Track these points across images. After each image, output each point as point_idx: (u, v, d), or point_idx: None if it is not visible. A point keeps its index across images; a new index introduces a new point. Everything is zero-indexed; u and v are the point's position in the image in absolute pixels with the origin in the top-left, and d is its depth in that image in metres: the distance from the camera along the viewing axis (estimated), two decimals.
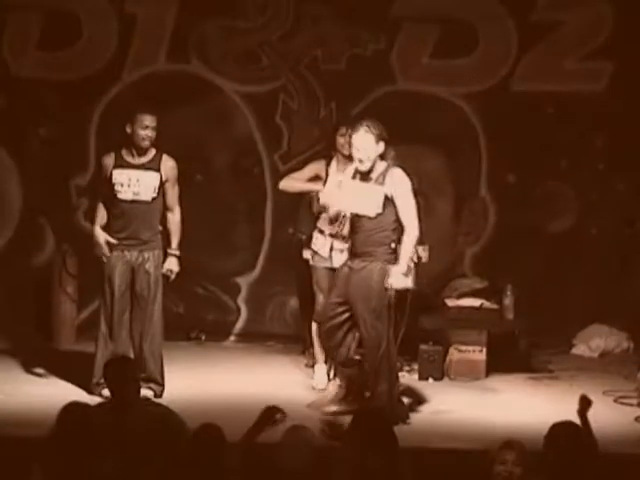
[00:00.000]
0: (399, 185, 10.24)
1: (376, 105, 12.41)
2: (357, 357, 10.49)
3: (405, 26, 12.62)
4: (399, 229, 10.28)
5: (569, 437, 7.00)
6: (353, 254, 10.41)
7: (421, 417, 10.20)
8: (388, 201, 10.22)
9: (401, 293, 10.32)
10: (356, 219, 10.37)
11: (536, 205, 12.79)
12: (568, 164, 12.84)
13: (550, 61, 12.63)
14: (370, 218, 10.19)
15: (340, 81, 12.66)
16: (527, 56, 12.58)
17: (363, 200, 10.41)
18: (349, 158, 10.80)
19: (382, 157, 10.18)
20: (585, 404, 7.24)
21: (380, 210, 10.17)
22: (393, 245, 10.20)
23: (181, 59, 12.52)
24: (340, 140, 11.09)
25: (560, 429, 6.96)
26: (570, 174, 12.86)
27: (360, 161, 10.14)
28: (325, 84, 12.59)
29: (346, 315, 10.25)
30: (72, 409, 7.30)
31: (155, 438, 7.66)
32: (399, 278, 10.15)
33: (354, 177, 10.50)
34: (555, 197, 12.89)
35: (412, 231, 10.20)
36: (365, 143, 10.17)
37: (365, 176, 10.30)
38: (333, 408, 9.81)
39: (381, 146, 10.11)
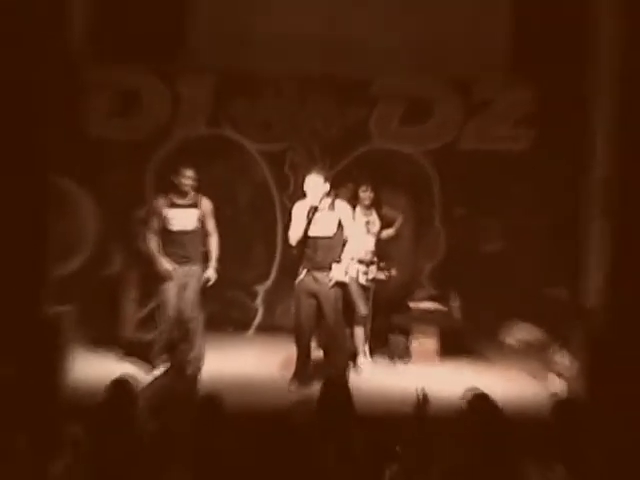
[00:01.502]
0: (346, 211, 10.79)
1: (358, 159, 12.79)
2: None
3: (380, 102, 12.88)
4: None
5: (482, 405, 6.77)
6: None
7: (384, 388, 10.40)
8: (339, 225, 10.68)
9: (342, 285, 10.65)
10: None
11: (475, 233, 13.02)
12: (499, 203, 12.97)
13: (487, 127, 12.98)
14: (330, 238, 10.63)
15: (332, 142, 12.89)
16: (470, 124, 12.91)
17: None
18: (368, 207, 11.45)
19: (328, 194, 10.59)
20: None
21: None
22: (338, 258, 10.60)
23: (216, 126, 12.86)
24: (362, 195, 11.41)
25: (475, 398, 6.79)
26: (499, 210, 13.02)
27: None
28: (321, 145, 12.82)
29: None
30: (123, 380, 7.28)
31: (193, 402, 7.63)
32: (339, 273, 10.44)
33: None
34: (488, 227, 13.10)
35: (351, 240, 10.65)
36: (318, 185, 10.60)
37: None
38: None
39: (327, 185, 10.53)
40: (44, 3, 10.45)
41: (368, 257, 11.66)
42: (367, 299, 11.60)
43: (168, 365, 10.89)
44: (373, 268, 11.74)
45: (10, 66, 9.95)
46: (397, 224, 12.11)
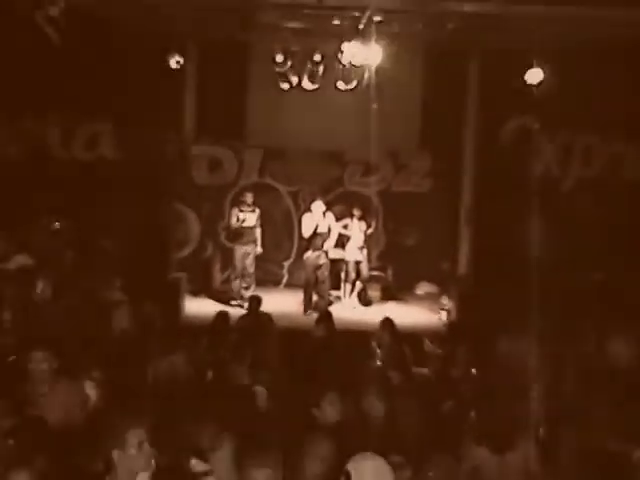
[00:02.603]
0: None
1: (337, 196, 14.24)
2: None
3: (349, 165, 14.52)
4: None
5: (392, 326, 8.98)
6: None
7: (357, 317, 12.25)
8: None
9: (337, 260, 13.10)
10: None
11: (400, 234, 14.30)
12: (414, 219, 14.27)
13: (406, 179, 14.46)
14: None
15: (323, 187, 14.22)
16: (397, 176, 14.41)
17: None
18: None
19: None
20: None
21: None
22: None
23: (262, 177, 14.38)
24: (356, 213, 13.10)
25: (386, 319, 9.14)
26: (414, 223, 14.28)
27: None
28: (318, 188, 14.07)
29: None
30: (223, 312, 9.66)
31: (268, 329, 9.46)
32: (334, 252, 12.85)
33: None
34: (408, 232, 14.30)
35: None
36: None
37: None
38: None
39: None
40: (169, 105, 13.10)
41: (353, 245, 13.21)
42: (351, 271, 13.24)
43: (237, 303, 12.25)
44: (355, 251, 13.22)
45: (150, 144, 13.08)
46: (350, 227, 13.32)
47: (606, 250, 12.46)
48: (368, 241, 13.39)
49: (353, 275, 13.17)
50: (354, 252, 13.13)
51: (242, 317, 10.00)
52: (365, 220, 13.25)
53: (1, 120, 13.18)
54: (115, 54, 11.99)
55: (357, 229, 13.03)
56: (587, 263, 12.12)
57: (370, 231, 13.35)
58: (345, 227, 13.11)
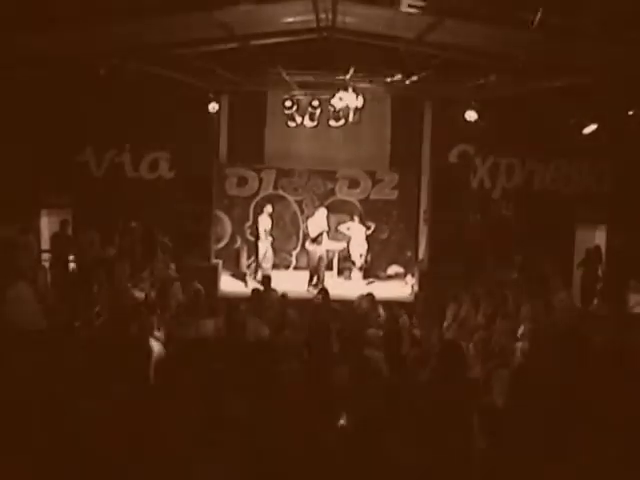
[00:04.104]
0: None
1: (332, 203, 13.90)
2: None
3: (339, 181, 14.11)
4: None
5: (372, 298, 8.91)
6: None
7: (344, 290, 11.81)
8: None
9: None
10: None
11: (376, 231, 13.79)
12: (387, 219, 13.91)
13: (381, 190, 14.06)
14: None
15: (321, 197, 13.98)
16: (374, 189, 14.05)
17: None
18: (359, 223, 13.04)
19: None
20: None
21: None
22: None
23: (275, 190, 14.05)
24: (356, 217, 12.99)
25: (368, 295, 9.00)
26: (387, 222, 13.99)
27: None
28: (317, 197, 13.93)
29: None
30: (257, 289, 9.49)
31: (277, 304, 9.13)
32: (326, 245, 12.66)
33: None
34: (381, 229, 13.95)
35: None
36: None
37: None
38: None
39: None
40: (209, 138, 13.27)
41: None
42: (344, 259, 13.38)
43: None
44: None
45: (195, 167, 13.17)
46: (352, 228, 13.18)
47: (524, 239, 12.74)
48: (368, 238, 13.38)
49: (349, 262, 13.26)
50: (357, 247, 13.02)
51: (256, 291, 9.62)
52: (363, 223, 13.25)
53: (91, 150, 13.47)
54: (170, 102, 12.28)
55: (357, 230, 13.03)
56: (510, 248, 12.32)
57: (369, 232, 13.28)
58: (348, 229, 13.16)
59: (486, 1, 6.93)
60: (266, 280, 10.08)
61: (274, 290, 9.63)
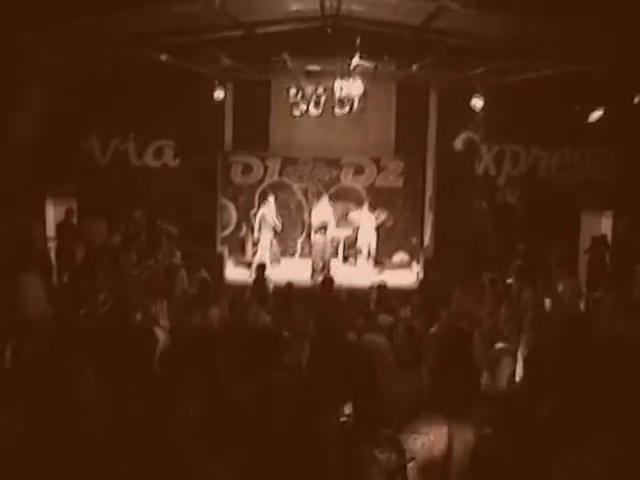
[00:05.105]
0: None
1: (337, 190, 13.80)
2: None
3: (344, 168, 13.93)
4: None
5: (384, 285, 8.82)
6: None
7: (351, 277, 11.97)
8: None
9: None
10: None
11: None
12: (392, 204, 13.74)
13: (386, 177, 13.86)
14: None
15: (325, 184, 13.81)
16: (379, 176, 13.81)
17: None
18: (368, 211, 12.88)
19: None
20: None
21: None
22: None
23: (280, 177, 13.90)
24: (365, 206, 12.93)
25: (381, 283, 8.90)
26: (390, 208, 13.75)
27: None
28: (322, 185, 13.75)
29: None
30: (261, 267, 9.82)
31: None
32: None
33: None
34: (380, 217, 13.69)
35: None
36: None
37: None
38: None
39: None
40: (214, 126, 13.17)
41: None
42: (349, 246, 13.23)
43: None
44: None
45: (200, 155, 13.24)
46: (360, 215, 13.04)
47: (529, 226, 12.62)
48: (378, 226, 13.32)
49: (354, 249, 13.11)
50: (366, 235, 12.88)
51: (259, 279, 9.74)
52: (372, 211, 13.12)
53: (96, 139, 13.49)
54: (174, 90, 12.19)
55: (366, 218, 12.92)
56: (514, 236, 12.19)
57: (379, 222, 13.21)
58: (355, 216, 13.10)
59: None
60: (260, 269, 9.93)
61: (265, 279, 9.67)
